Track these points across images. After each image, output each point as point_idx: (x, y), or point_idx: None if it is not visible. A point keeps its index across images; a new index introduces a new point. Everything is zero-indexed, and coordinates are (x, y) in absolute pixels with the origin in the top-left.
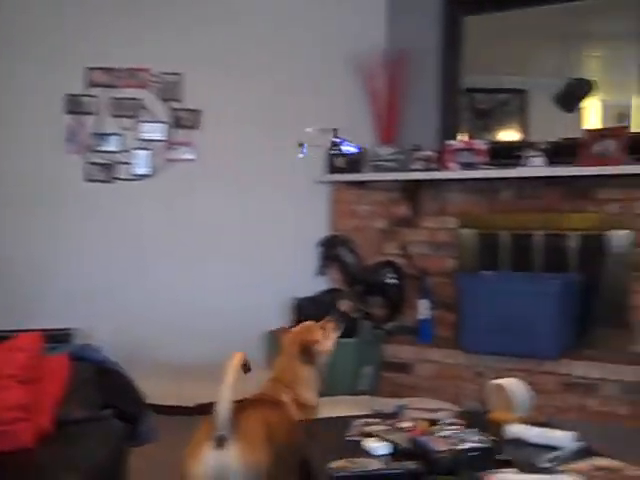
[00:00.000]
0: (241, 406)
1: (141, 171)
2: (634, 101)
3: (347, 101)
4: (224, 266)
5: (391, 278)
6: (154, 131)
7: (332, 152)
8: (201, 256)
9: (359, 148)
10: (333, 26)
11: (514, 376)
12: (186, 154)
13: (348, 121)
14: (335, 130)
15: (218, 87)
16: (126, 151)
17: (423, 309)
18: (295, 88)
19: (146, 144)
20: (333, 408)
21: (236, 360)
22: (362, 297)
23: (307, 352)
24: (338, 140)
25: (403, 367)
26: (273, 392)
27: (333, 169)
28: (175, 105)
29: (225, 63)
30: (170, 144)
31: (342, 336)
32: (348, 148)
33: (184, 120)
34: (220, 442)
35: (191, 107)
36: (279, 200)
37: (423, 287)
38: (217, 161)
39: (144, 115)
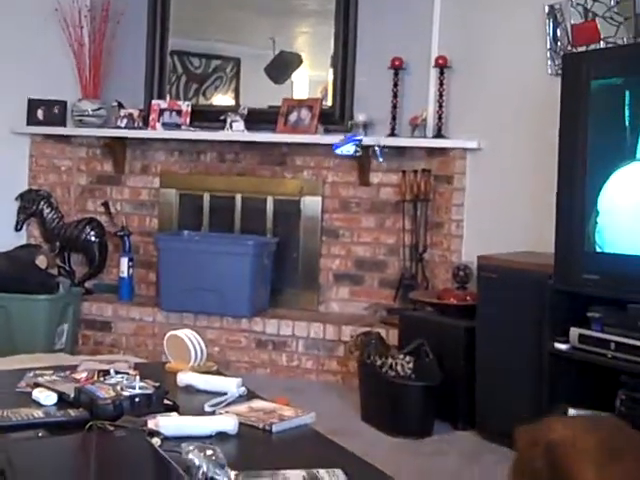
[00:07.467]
0: None
1: None
2: (330, 75)
3: (48, 53)
4: None
5: (92, 235)
6: None
7: None
8: None
9: None
10: None
11: (209, 334)
12: None
13: (50, 73)
14: None
15: None
16: None
17: (124, 267)
18: None
19: None
20: (26, 364)
21: None
22: (61, 254)
23: None
24: None
25: (103, 325)
26: None
27: (33, 121)
28: None
29: None
30: None
31: (38, 293)
32: None
33: None
34: None
35: None
36: None
37: (124, 245)
38: None
39: None
